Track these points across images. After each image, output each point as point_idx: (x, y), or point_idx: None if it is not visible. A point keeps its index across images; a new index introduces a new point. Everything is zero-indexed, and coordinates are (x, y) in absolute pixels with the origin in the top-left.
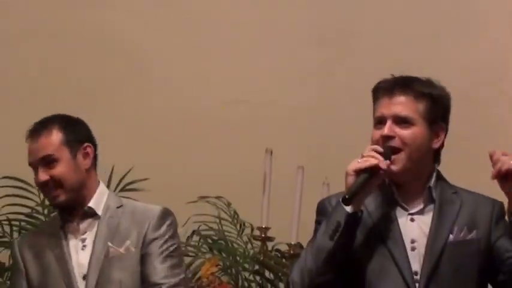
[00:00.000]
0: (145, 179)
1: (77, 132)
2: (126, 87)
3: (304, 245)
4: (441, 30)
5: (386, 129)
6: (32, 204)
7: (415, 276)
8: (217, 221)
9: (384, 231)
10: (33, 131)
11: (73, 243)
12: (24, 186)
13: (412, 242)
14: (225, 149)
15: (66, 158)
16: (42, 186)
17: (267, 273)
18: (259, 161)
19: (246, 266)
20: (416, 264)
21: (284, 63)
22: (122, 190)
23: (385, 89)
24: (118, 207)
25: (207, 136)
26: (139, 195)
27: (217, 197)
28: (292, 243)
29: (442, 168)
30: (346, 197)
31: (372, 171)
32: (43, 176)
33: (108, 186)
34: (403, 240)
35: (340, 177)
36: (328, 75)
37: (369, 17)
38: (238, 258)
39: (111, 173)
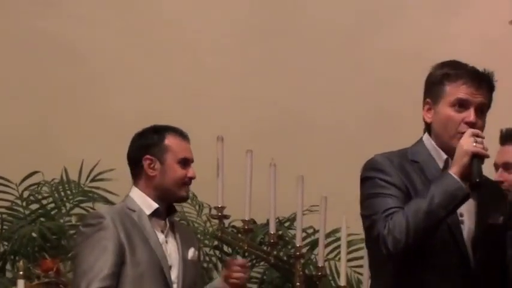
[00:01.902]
0: (112, 170)
1: None
2: (90, 87)
3: (257, 220)
4: (366, 19)
5: (473, 117)
6: (11, 198)
7: (467, 249)
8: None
9: None
10: (186, 135)
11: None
12: (4, 182)
13: (461, 215)
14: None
15: None
16: (188, 182)
17: (225, 248)
18: (213, 147)
19: (207, 242)
20: (466, 238)
21: (230, 55)
22: (91, 181)
23: (473, 77)
24: None
25: None
26: (107, 184)
27: None
28: (246, 219)
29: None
30: (477, 180)
31: (482, 158)
32: (194, 173)
33: (79, 178)
34: (456, 213)
35: (284, 159)
36: (271, 66)
37: (303, 11)
38: (199, 235)
39: (82, 166)
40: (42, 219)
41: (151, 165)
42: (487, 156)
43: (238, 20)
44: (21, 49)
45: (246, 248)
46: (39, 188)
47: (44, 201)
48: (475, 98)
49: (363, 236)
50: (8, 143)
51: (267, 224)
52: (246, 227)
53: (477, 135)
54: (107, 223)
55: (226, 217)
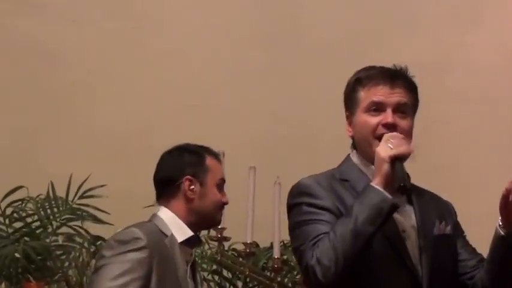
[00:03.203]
0: (103, 186)
1: None
2: (78, 98)
3: (260, 243)
4: (384, 27)
5: (390, 118)
6: None
7: (415, 265)
8: None
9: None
10: (220, 155)
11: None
12: None
13: (403, 231)
14: None
15: None
16: (222, 207)
17: (224, 272)
18: None
19: (204, 266)
20: (412, 254)
21: (233, 65)
22: (80, 197)
23: (385, 77)
24: None
25: (162, 141)
26: (97, 202)
27: None
28: (248, 242)
29: None
30: (402, 184)
31: (405, 157)
32: (227, 198)
33: (66, 194)
34: (398, 229)
35: (290, 176)
36: (276, 75)
37: (313, 17)
38: (196, 259)
39: (70, 181)
40: (26, 238)
41: (191, 187)
42: (408, 154)
43: (239, 30)
44: (3, 57)
45: (247, 273)
46: (23, 205)
47: (29, 219)
48: (390, 98)
49: None
50: None
51: (271, 247)
52: (248, 251)
53: (392, 137)
54: (145, 245)
55: (227, 239)
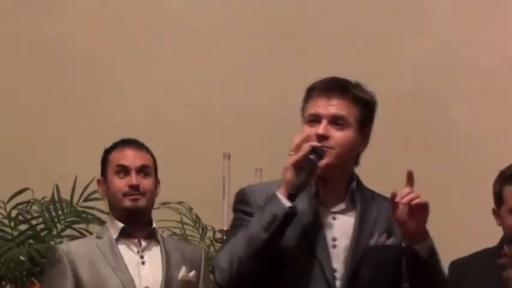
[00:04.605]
0: None
1: None
2: (84, 98)
3: None
4: (391, 28)
5: (322, 129)
6: None
7: (335, 273)
8: (180, 226)
9: (308, 228)
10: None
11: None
12: None
13: (334, 240)
14: (184, 155)
15: None
16: (128, 192)
17: None
18: (219, 165)
19: (210, 268)
20: (336, 263)
21: (239, 67)
22: (85, 200)
23: (323, 89)
24: None
25: (167, 143)
26: (102, 204)
27: (179, 203)
28: None
29: (402, 165)
30: (292, 192)
31: (312, 167)
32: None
33: (71, 197)
34: (325, 238)
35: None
36: (284, 78)
37: (321, 17)
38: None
39: (74, 183)
40: (31, 241)
41: (103, 187)
42: (303, 159)
43: (249, 27)
44: (8, 57)
45: None
46: (28, 207)
47: (34, 222)
48: (326, 111)
49: None
50: None
51: None
52: None
53: (298, 145)
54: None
55: None
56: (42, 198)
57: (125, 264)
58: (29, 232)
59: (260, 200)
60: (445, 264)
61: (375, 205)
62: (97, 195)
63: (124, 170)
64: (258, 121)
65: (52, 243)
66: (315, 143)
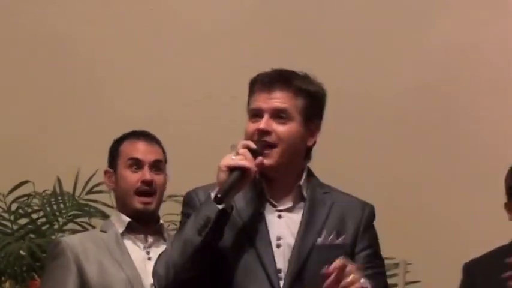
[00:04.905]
0: None
1: None
2: (84, 98)
3: None
4: (391, 28)
5: (263, 124)
6: None
7: (279, 274)
8: None
9: (250, 227)
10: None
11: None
12: None
13: (278, 239)
14: (190, 147)
15: None
16: (140, 188)
17: None
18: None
19: None
20: (280, 262)
21: (239, 67)
22: (88, 193)
23: (264, 82)
24: None
25: (172, 136)
26: (105, 197)
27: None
28: None
29: (412, 158)
30: (218, 195)
31: (244, 169)
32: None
33: (74, 190)
34: (269, 237)
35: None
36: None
37: (321, 17)
38: None
39: (77, 176)
40: (31, 235)
41: (110, 179)
42: (245, 168)
43: (249, 27)
44: (9, 53)
45: None
46: (29, 200)
47: (34, 215)
48: (267, 104)
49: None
50: None
51: None
52: None
53: (246, 146)
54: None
55: None
56: (43, 191)
57: (131, 260)
58: (29, 226)
59: (198, 202)
60: (459, 266)
61: (328, 201)
62: (100, 188)
63: (137, 164)
64: None
65: (53, 237)
66: (251, 144)
